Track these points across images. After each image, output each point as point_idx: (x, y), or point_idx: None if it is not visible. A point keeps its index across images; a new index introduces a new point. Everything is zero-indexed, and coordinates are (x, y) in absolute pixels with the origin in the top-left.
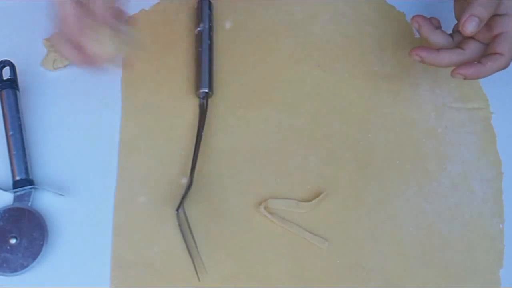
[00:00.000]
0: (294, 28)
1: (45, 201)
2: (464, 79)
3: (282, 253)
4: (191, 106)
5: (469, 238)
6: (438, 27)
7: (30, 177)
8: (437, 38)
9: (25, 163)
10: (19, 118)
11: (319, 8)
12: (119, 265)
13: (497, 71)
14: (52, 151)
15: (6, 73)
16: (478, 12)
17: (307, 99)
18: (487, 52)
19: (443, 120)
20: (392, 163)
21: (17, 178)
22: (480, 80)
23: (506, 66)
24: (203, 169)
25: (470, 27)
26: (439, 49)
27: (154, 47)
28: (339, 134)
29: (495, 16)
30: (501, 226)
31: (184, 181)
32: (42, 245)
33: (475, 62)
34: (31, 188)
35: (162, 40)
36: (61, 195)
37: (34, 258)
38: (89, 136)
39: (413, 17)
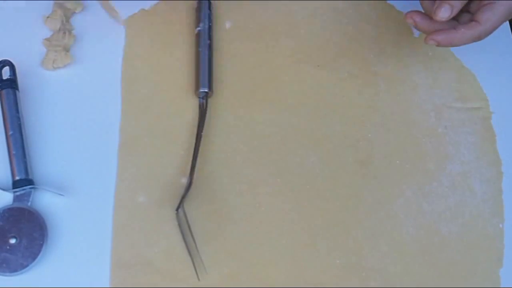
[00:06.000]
0: (294, 28)
1: (45, 201)
2: (437, 45)
3: (282, 253)
4: (190, 106)
5: (469, 238)
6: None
7: (30, 177)
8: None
9: (25, 163)
10: (18, 118)
11: (319, 8)
12: (119, 265)
13: (472, 40)
14: (52, 151)
15: (6, 73)
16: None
17: (307, 99)
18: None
19: (443, 120)
20: (392, 163)
21: (17, 178)
22: (480, 80)
23: (480, 36)
24: (203, 169)
25: (440, 14)
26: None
27: (154, 47)
28: (339, 134)
29: None
30: (501, 226)
31: (184, 181)
32: (41, 245)
33: (450, 29)
34: (30, 188)
35: (162, 40)
36: (61, 195)
37: (34, 258)
38: (89, 136)
39: (407, 13)
